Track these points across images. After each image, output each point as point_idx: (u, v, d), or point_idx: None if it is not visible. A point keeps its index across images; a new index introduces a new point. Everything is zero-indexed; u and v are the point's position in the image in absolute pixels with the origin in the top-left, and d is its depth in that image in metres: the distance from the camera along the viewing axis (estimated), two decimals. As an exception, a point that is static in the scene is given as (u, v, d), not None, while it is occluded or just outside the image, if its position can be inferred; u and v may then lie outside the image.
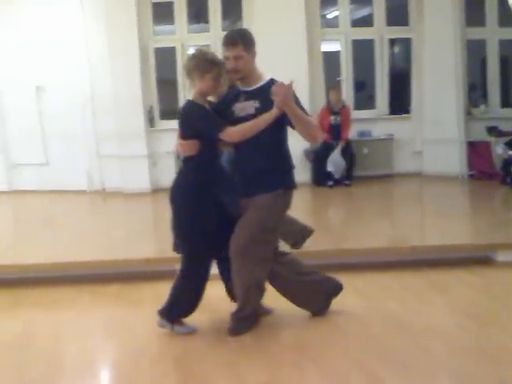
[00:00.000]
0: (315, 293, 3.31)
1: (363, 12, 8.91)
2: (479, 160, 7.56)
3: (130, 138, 7.32)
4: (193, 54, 3.12)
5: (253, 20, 7.47)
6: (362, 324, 3.25)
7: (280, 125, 3.01)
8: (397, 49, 10.16)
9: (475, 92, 8.31)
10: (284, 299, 3.34)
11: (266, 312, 3.39)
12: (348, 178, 7.36)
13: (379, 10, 7.89)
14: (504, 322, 3.26)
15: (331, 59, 8.03)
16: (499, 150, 7.14)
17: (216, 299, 3.72)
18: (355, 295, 3.67)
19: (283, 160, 3.16)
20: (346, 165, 7.27)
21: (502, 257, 4.25)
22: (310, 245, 4.18)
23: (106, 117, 7.36)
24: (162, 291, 3.88)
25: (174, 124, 8.12)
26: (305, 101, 7.65)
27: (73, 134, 7.48)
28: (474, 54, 8.10)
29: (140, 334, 3.25)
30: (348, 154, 7.42)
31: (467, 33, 7.69)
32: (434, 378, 2.64)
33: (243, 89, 3.10)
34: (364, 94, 8.98)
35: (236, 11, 7.84)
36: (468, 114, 7.66)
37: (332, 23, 8.46)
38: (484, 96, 8.12)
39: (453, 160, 7.51)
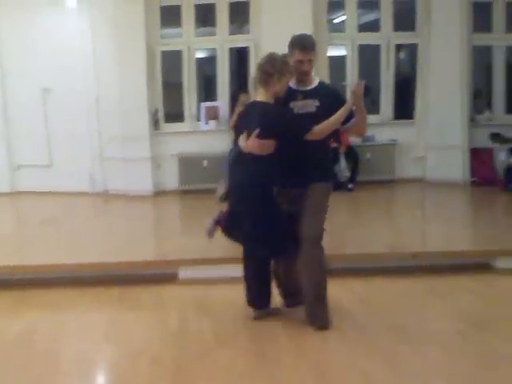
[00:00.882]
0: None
1: (370, 17, 8.92)
2: (482, 166, 7.56)
3: (134, 141, 7.36)
4: (272, 58, 3.24)
5: (260, 24, 7.50)
6: (362, 329, 3.27)
7: None
8: (402, 54, 10.16)
9: (480, 98, 8.30)
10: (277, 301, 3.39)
11: (276, 312, 3.48)
12: (352, 181, 7.39)
13: (386, 15, 7.90)
14: (502, 329, 3.27)
15: (337, 64, 8.05)
16: (502, 156, 7.14)
17: (217, 302, 3.76)
18: (355, 300, 3.69)
19: (329, 155, 3.53)
20: (349, 169, 7.31)
21: (501, 263, 4.25)
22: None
23: (111, 119, 7.40)
24: (162, 295, 3.94)
25: (179, 127, 8.26)
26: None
27: (77, 136, 7.53)
28: (480, 60, 8.09)
29: (139, 336, 3.27)
30: (352, 158, 7.44)
31: (474, 39, 7.70)
32: (429, 382, 2.65)
33: (299, 88, 3.31)
34: (368, 99, 8.97)
35: (243, 15, 7.88)
36: (471, 120, 7.66)
37: (339, 28, 8.48)
38: (488, 102, 8.12)
39: (456, 166, 7.51)
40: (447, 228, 5.12)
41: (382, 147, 7.79)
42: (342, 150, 7.33)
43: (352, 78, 7.89)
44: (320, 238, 3.25)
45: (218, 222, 3.41)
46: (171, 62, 8.02)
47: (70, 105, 7.51)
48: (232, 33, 7.91)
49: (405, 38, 8.21)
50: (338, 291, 3.68)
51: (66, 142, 7.60)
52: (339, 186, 7.24)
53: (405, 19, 8.08)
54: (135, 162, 7.38)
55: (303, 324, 3.34)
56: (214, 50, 7.91)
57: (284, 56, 3.25)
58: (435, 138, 7.65)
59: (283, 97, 3.28)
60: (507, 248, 4.25)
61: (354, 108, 3.19)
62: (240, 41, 7.98)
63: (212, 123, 7.62)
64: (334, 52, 8.32)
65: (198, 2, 7.62)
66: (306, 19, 7.41)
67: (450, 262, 4.26)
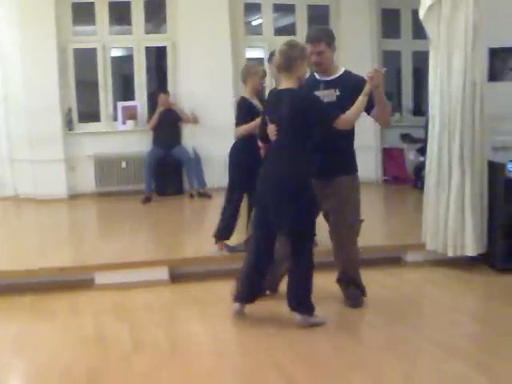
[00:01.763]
0: None
1: (286, 21, 9.10)
2: (393, 165, 7.95)
3: (46, 142, 7.00)
4: (293, 43, 3.25)
5: (176, 24, 7.43)
6: (279, 323, 3.33)
7: None
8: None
9: (391, 101, 8.70)
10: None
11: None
12: None
13: (301, 20, 8.09)
14: (412, 320, 3.46)
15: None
16: (411, 156, 7.53)
17: (135, 307, 3.69)
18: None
19: (351, 146, 3.54)
20: None
21: (411, 257, 4.49)
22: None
23: (21, 119, 7.02)
24: (78, 301, 3.81)
25: (95, 127, 7.98)
26: (229, 108, 7.73)
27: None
28: (390, 64, 8.48)
29: (51, 346, 3.12)
30: None
31: (383, 44, 8.08)
32: (348, 376, 2.75)
33: (322, 78, 3.42)
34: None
35: (160, 14, 7.77)
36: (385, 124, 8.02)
37: (257, 30, 8.57)
38: (399, 105, 8.54)
39: (369, 165, 7.82)
40: (363, 224, 5.31)
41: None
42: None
43: (270, 81, 8.02)
44: (353, 230, 3.47)
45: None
46: (86, 60, 7.76)
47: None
48: (149, 32, 7.77)
49: (320, 41, 8.42)
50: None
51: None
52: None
53: (319, 24, 8.30)
54: (48, 164, 7.04)
55: (224, 326, 3.36)
56: (131, 48, 7.74)
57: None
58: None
59: (308, 86, 3.36)
60: (416, 242, 4.48)
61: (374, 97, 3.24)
62: (157, 40, 7.86)
63: (129, 123, 7.45)
64: (253, 54, 8.41)
65: (112, 0, 7.42)
66: (223, 20, 7.44)
67: (364, 256, 4.42)
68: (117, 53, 8.73)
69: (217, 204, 6.82)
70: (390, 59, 8.30)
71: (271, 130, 3.25)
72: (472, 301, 3.89)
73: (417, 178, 7.12)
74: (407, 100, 8.44)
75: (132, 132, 7.45)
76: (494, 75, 4.39)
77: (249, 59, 7.92)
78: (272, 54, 4.43)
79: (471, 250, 4.18)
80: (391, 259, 4.50)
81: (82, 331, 3.32)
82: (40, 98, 6.93)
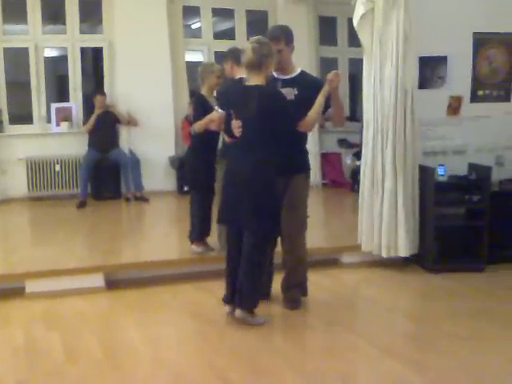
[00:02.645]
0: None
1: (226, 25, 9.13)
2: (331, 170, 8.12)
3: (-27, 144, 6.70)
4: (263, 41, 3.22)
5: (113, 24, 7.28)
6: (218, 328, 3.32)
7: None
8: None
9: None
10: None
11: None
12: None
13: (240, 25, 8.13)
14: (349, 320, 3.54)
15: (195, 69, 8.08)
16: (348, 160, 7.72)
17: (68, 315, 3.57)
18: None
19: (305, 145, 3.60)
20: None
21: (347, 258, 4.60)
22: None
23: None
24: (7, 310, 3.63)
25: (27, 129, 7.68)
26: (169, 110, 7.65)
27: None
28: (327, 70, 8.66)
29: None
30: None
31: (321, 51, 8.26)
32: (283, 377, 2.76)
33: (280, 77, 3.44)
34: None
35: (96, 14, 7.59)
36: (321, 126, 8.18)
37: (196, 34, 8.54)
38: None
39: (311, 169, 7.94)
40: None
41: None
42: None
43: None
44: (303, 228, 3.55)
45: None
46: (18, 59, 7.46)
47: None
48: (83, 32, 7.57)
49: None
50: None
51: None
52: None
53: (257, 29, 8.38)
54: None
55: (162, 333, 3.31)
56: (65, 48, 7.51)
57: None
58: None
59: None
60: (352, 244, 4.59)
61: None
62: (93, 40, 7.66)
63: (64, 125, 7.21)
64: (192, 57, 8.37)
65: (45, -2, 7.18)
66: (161, 22, 7.38)
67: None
68: (51, 53, 8.45)
69: (154, 208, 6.77)
70: (327, 66, 8.48)
71: (235, 125, 3.24)
72: (406, 300, 4.02)
73: (354, 182, 7.31)
74: (344, 106, 8.63)
75: (66, 134, 7.23)
76: (423, 83, 4.57)
77: (187, 62, 7.89)
78: (227, 53, 4.45)
79: (404, 251, 4.33)
80: (328, 261, 4.59)
81: (11, 342, 3.16)
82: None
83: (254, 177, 3.19)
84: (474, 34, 4.64)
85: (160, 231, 5.46)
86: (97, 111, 6.99)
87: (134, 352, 3.05)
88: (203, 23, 8.08)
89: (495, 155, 4.76)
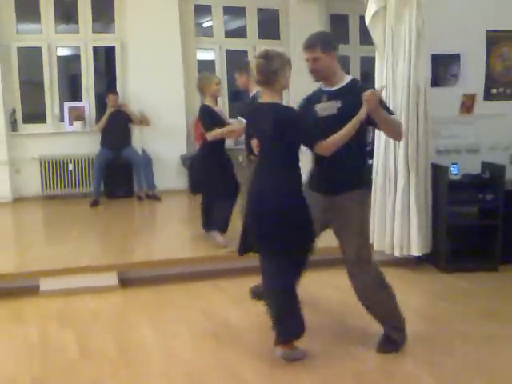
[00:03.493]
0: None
1: (238, 23, 9.13)
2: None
3: (-12, 143, 6.77)
4: (267, 54, 2.92)
5: (126, 23, 7.32)
6: (231, 328, 3.32)
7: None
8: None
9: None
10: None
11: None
12: None
13: (252, 23, 8.13)
14: (361, 319, 3.51)
15: (206, 68, 8.11)
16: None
17: (81, 314, 3.59)
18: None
19: (358, 160, 3.15)
20: None
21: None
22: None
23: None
24: (22, 309, 3.68)
25: (40, 128, 7.73)
26: (181, 109, 7.66)
27: None
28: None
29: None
30: None
31: (332, 49, 8.22)
32: (297, 375, 2.77)
33: (326, 89, 3.10)
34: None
35: (108, 13, 7.62)
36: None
37: (208, 32, 8.56)
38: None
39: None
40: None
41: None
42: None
43: (221, 83, 8.01)
44: (364, 259, 3.02)
45: None
46: (31, 59, 7.52)
47: None
48: (96, 31, 7.61)
49: (270, 45, 8.47)
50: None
51: None
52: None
53: (269, 27, 8.38)
54: (-10, 167, 6.79)
55: (175, 331, 3.33)
56: (78, 48, 7.56)
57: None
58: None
59: (313, 98, 3.10)
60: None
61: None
62: (105, 40, 7.69)
63: (77, 124, 7.27)
64: (204, 56, 8.38)
65: (58, -3, 7.23)
66: (173, 20, 7.39)
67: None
68: (64, 52, 8.51)
69: (166, 207, 6.80)
70: (339, 64, 8.45)
71: (254, 144, 3.08)
72: (419, 300, 3.99)
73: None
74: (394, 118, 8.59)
75: (79, 133, 7.28)
76: (436, 81, 4.54)
77: (199, 61, 7.91)
78: (243, 66, 4.51)
79: (416, 250, 4.31)
80: (339, 260, 4.55)
81: (26, 340, 3.21)
82: (-19, 98, 6.68)
83: (265, 200, 2.90)
84: (488, 31, 4.59)
85: (172, 230, 5.49)
86: (109, 110, 7.04)
87: (147, 349, 3.08)
88: (215, 22, 8.08)
89: (509, 153, 4.72)
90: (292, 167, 2.93)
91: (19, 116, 7.21)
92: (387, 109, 3.05)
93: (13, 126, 7.10)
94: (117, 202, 6.93)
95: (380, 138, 4.39)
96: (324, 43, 3.04)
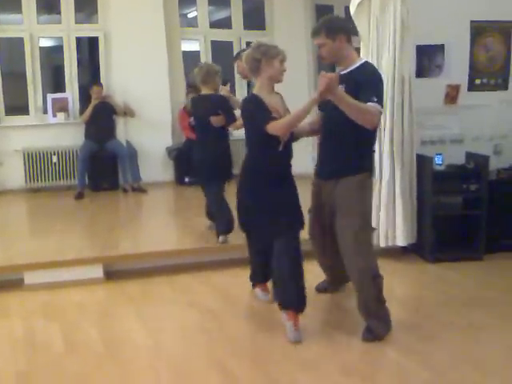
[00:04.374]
0: None
1: (222, 14, 9.06)
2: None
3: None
4: (257, 44, 3.05)
5: (109, 13, 7.22)
6: (217, 319, 3.33)
7: None
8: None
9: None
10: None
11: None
12: None
13: (237, 13, 8.08)
14: (347, 309, 3.54)
15: (191, 59, 8.05)
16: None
17: (67, 307, 3.56)
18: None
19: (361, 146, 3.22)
20: None
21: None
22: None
23: None
24: (6, 302, 3.64)
25: (23, 120, 7.63)
26: (166, 100, 7.60)
27: None
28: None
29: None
30: None
31: (318, 39, 8.21)
32: (282, 367, 2.78)
33: (340, 72, 3.10)
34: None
35: (91, 4, 7.52)
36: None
37: (192, 23, 8.49)
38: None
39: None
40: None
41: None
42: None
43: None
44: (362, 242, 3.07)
45: None
46: (13, 50, 7.40)
47: None
48: (79, 21, 7.51)
49: (255, 36, 8.44)
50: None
51: None
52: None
53: (255, 18, 8.33)
54: (-29, 159, 6.69)
55: (161, 324, 3.32)
56: (60, 38, 7.45)
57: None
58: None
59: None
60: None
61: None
62: (88, 30, 7.59)
63: (60, 116, 7.18)
64: (189, 47, 8.31)
65: (40, -13, 7.12)
66: (158, 10, 7.32)
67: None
68: (46, 43, 8.39)
69: (152, 199, 6.77)
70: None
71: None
72: (404, 290, 4.03)
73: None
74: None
75: (63, 125, 7.19)
76: (421, 71, 4.55)
77: (184, 52, 7.84)
78: (238, 54, 4.49)
79: (401, 240, 4.34)
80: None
81: (10, 333, 3.18)
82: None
83: (243, 177, 3.19)
84: (472, 22, 4.62)
85: (158, 222, 5.46)
86: (93, 102, 6.96)
87: (134, 343, 3.07)
88: (199, 12, 8.02)
89: (493, 144, 4.76)
90: (267, 153, 3.05)
91: (1, 108, 7.11)
92: (366, 96, 2.92)
93: (-6, 118, 7.00)
94: (102, 194, 6.87)
95: (365, 128, 4.39)
96: (328, 28, 3.08)
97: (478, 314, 3.39)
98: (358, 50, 3.26)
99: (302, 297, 3.07)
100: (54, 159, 7.10)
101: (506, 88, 4.78)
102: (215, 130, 4.45)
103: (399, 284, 4.05)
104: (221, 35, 8.20)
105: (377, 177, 4.34)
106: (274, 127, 2.95)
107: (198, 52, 8.07)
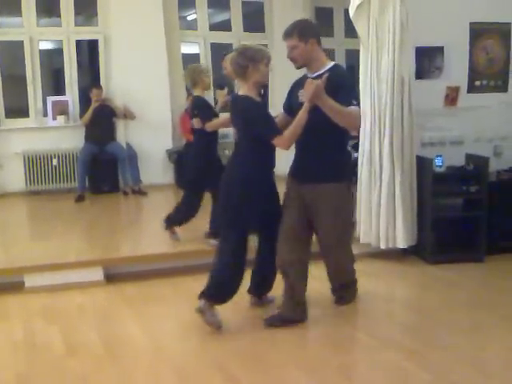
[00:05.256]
0: None
1: (222, 17, 9.08)
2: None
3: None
4: (243, 48, 3.11)
5: (109, 16, 7.23)
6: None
7: None
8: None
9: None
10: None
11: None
12: None
13: (236, 16, 8.09)
14: (348, 312, 3.53)
15: (191, 61, 8.05)
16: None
17: (67, 310, 3.56)
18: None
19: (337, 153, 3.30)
20: None
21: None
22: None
23: None
24: (6, 305, 3.63)
25: (23, 123, 7.63)
26: (165, 103, 7.60)
27: None
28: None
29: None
30: None
31: (317, 42, 8.23)
32: (283, 369, 2.77)
33: (308, 75, 3.17)
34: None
35: (91, 7, 7.53)
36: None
37: (192, 25, 8.50)
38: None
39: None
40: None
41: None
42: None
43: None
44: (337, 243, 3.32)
45: None
46: (13, 53, 7.41)
47: None
48: (79, 24, 7.52)
49: (255, 38, 8.46)
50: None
51: None
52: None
53: (255, 21, 8.34)
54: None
55: (161, 326, 3.31)
56: (60, 41, 7.46)
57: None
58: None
59: (298, 83, 3.15)
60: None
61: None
62: (88, 33, 7.61)
63: (60, 119, 7.19)
64: (189, 49, 8.32)
65: (39, -10, 7.13)
66: (157, 13, 7.33)
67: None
68: (46, 46, 8.40)
69: (152, 201, 6.77)
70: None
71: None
72: (405, 292, 4.03)
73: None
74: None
75: (63, 128, 7.20)
76: (420, 73, 4.56)
77: (183, 54, 7.85)
78: (225, 55, 4.47)
79: (402, 242, 4.34)
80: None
81: (11, 336, 3.18)
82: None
83: (231, 186, 3.16)
84: (471, 24, 4.63)
85: (158, 224, 5.40)
86: (93, 105, 6.96)
87: (134, 345, 3.06)
88: (199, 15, 8.03)
89: (493, 145, 4.77)
90: (259, 157, 3.10)
91: (1, 111, 7.11)
92: (347, 99, 2.98)
93: (-6, 120, 7.00)
94: (102, 197, 6.87)
95: (365, 129, 4.40)
96: (301, 31, 3.11)
97: (479, 316, 3.38)
98: (326, 51, 3.28)
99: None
100: (54, 162, 7.10)
101: (505, 89, 4.79)
102: (199, 132, 4.41)
103: (400, 286, 4.05)
104: (220, 38, 8.21)
105: (377, 178, 4.35)
106: (282, 140, 3.00)
107: (198, 54, 8.08)
